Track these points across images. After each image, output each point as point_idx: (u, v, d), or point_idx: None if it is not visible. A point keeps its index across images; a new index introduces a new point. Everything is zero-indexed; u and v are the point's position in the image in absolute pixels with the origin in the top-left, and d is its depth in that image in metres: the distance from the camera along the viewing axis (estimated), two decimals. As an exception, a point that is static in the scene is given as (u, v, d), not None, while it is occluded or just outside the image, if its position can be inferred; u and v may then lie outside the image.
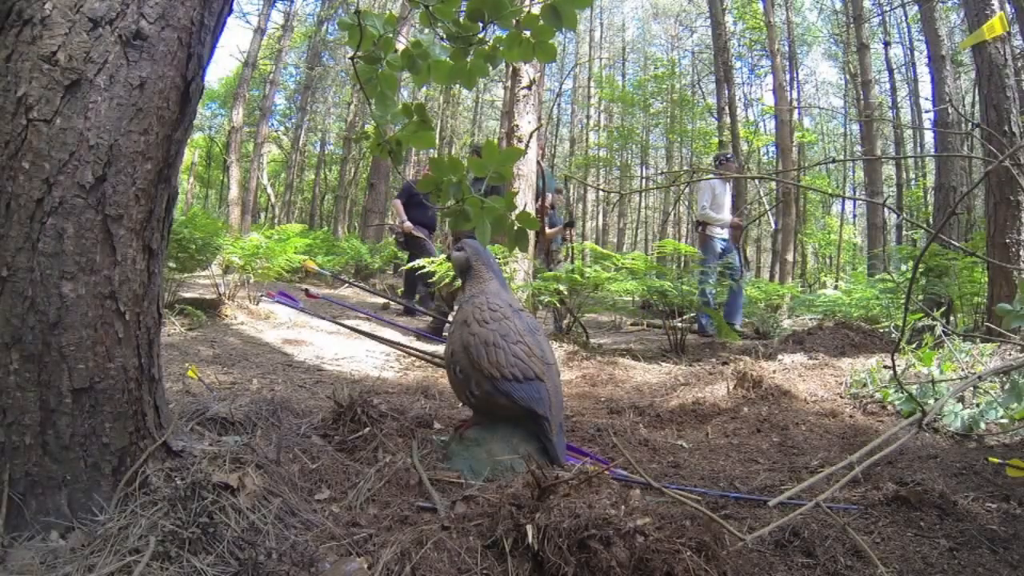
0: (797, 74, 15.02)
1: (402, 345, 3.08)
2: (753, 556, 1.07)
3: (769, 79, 13.81)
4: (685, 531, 1.00)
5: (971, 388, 2.10)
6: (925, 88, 14.03)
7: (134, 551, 0.93)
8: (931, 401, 2.07)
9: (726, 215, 5.60)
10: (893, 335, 4.13)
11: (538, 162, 6.02)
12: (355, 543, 1.07)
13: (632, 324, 6.52)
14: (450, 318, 4.30)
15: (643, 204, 22.73)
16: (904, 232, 12.72)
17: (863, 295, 5.60)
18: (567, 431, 1.90)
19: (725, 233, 5.55)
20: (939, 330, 2.90)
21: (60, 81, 0.99)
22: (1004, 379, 2.02)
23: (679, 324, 4.44)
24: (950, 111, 5.83)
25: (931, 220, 5.70)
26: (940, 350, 2.69)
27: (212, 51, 1.21)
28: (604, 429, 2.06)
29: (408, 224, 6.07)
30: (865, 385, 2.60)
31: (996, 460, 1.52)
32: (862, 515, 1.28)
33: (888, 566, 1.07)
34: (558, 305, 4.48)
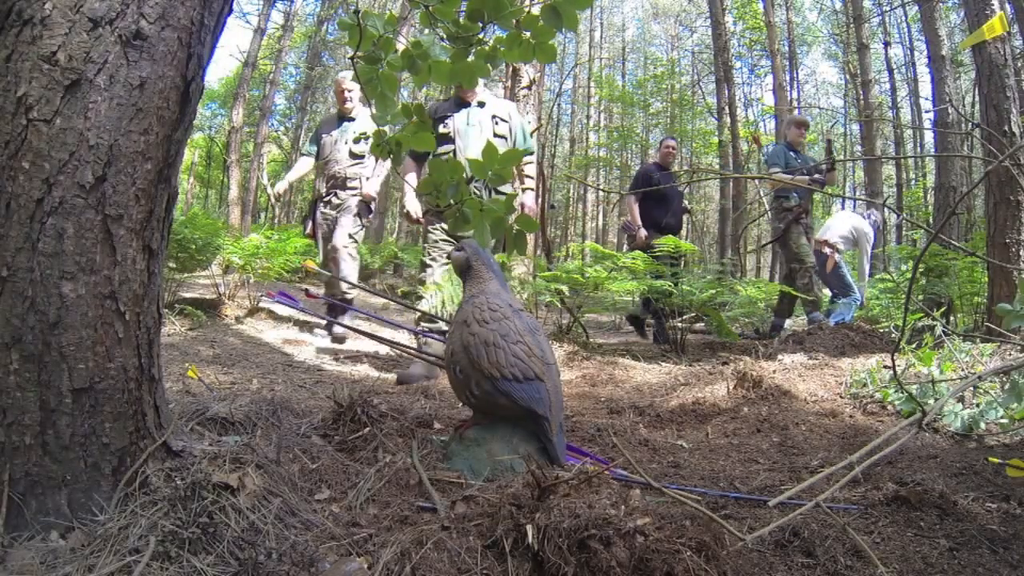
0: (797, 74, 15.03)
1: (402, 345, 3.07)
2: (753, 556, 1.07)
3: (769, 79, 13.82)
4: (685, 531, 1.00)
5: (971, 388, 2.10)
6: (925, 88, 14.04)
7: (134, 551, 0.93)
8: (931, 401, 2.07)
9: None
10: (893, 335, 4.13)
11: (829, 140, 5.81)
12: (355, 543, 1.07)
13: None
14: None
15: (643, 204, 22.64)
16: (904, 232, 12.72)
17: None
18: (567, 431, 1.90)
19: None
20: (939, 330, 2.90)
21: (60, 81, 0.99)
22: (1004, 379, 2.02)
23: (679, 324, 4.44)
24: (950, 111, 5.83)
25: (931, 220, 5.69)
26: (940, 350, 2.69)
27: (212, 51, 1.21)
28: (604, 429, 2.06)
29: (643, 233, 5.04)
30: (865, 385, 2.60)
31: (996, 460, 1.52)
32: (862, 515, 1.28)
33: (888, 566, 1.07)
34: (558, 304, 4.44)
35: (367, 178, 4.35)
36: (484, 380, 1.46)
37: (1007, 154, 1.30)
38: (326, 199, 4.32)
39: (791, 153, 5.25)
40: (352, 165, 4.29)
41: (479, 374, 1.46)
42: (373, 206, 4.51)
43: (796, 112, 12.61)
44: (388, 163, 4.26)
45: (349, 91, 4.33)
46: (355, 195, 4.27)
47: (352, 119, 4.35)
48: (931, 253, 4.65)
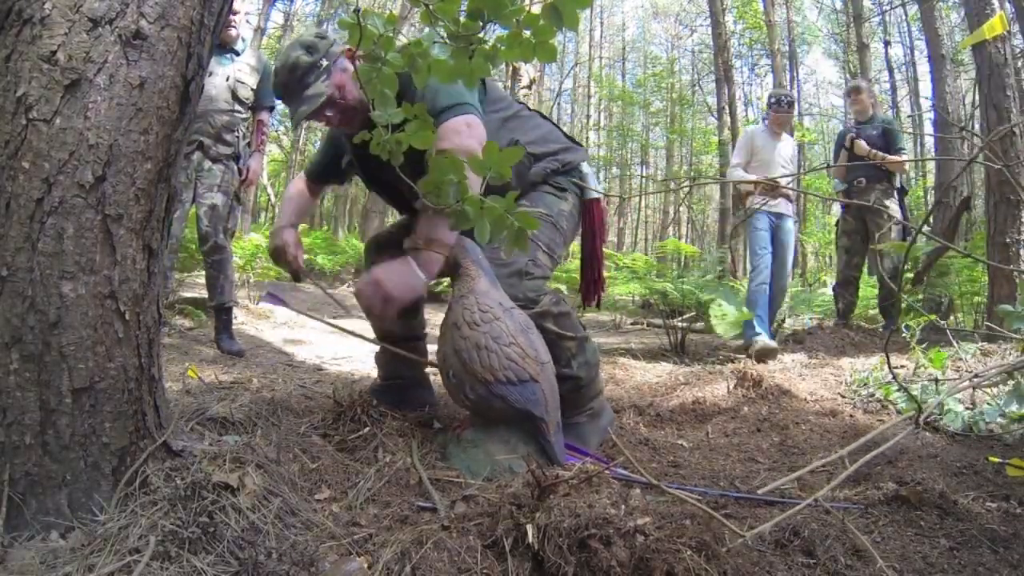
0: (797, 73, 15.04)
1: (395, 346, 3.06)
2: (753, 555, 1.07)
3: (769, 78, 13.82)
4: (685, 530, 1.00)
5: (972, 388, 2.10)
6: (925, 87, 14.05)
7: (134, 551, 0.93)
8: (930, 400, 2.07)
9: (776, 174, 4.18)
10: (903, 334, 4.13)
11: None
12: (355, 543, 1.07)
13: (632, 323, 6.53)
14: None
15: (643, 205, 22.75)
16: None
17: (863, 294, 5.59)
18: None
19: (778, 204, 4.16)
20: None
21: (60, 81, 0.99)
22: (1006, 379, 2.02)
23: (679, 324, 4.44)
24: (949, 111, 5.83)
25: (930, 220, 5.69)
26: (943, 350, 2.69)
27: (212, 51, 1.21)
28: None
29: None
30: (866, 384, 2.61)
31: (996, 459, 1.52)
32: (862, 514, 1.28)
33: (888, 565, 1.07)
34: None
35: (246, 141, 3.34)
36: (478, 384, 1.44)
37: (982, 145, 1.29)
38: (188, 152, 3.10)
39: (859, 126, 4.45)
40: (230, 112, 3.24)
41: (472, 378, 1.45)
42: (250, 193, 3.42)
43: (796, 112, 12.57)
44: (267, 133, 3.49)
45: (234, 12, 3.20)
46: (229, 155, 3.26)
47: (237, 52, 3.28)
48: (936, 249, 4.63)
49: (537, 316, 1.64)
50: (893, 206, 4.29)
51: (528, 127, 1.85)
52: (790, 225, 4.24)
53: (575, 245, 2.20)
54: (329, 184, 2.21)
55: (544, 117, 1.98)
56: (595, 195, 1.94)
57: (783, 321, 4.75)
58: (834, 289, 4.77)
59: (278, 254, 1.98)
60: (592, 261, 2.02)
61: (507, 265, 1.67)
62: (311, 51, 1.70)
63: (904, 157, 4.30)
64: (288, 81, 1.70)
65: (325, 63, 1.71)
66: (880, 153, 4.16)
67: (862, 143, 4.23)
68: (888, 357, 1.35)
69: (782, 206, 4.19)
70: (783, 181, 4.06)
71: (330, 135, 2.11)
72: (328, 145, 2.12)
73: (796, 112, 4.55)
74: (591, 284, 2.02)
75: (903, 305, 4.18)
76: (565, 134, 1.96)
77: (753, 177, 3.91)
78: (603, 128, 20.99)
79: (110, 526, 0.98)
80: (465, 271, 1.54)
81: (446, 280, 1.73)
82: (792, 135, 4.56)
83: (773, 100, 4.28)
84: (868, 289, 5.71)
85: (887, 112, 13.21)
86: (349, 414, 1.61)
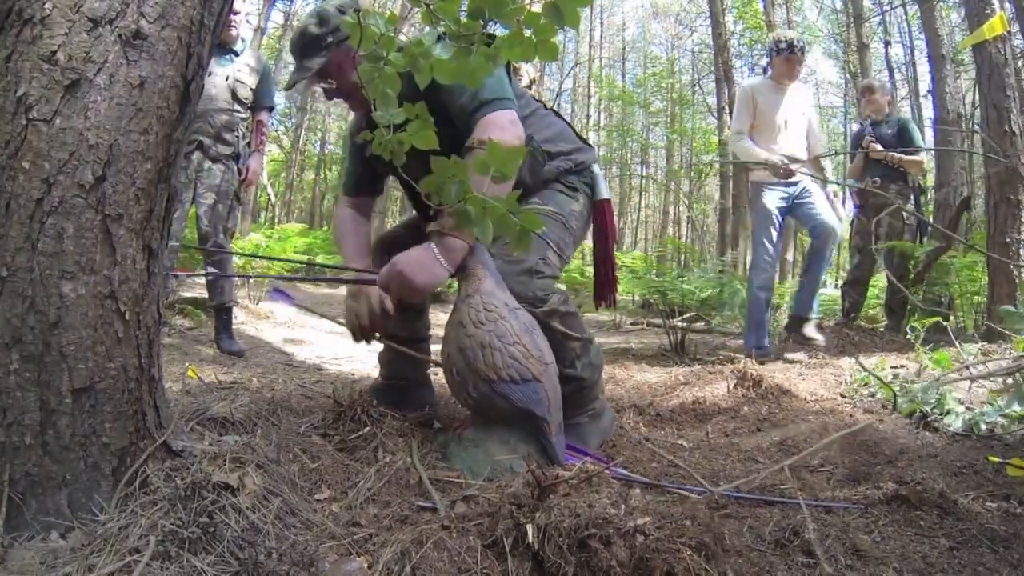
0: (797, 73, 14.98)
1: (400, 346, 3.06)
2: (753, 556, 1.07)
3: (769, 78, 13.75)
4: (685, 530, 1.00)
5: (972, 389, 2.10)
6: (925, 88, 14.02)
7: (134, 551, 0.93)
8: (932, 400, 2.07)
9: (784, 146, 3.48)
10: (908, 335, 4.13)
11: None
12: (355, 542, 1.07)
13: (632, 323, 6.52)
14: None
15: (643, 204, 22.79)
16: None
17: (868, 294, 5.59)
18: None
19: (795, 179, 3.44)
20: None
21: (60, 81, 0.99)
22: (1007, 380, 2.02)
23: (679, 323, 4.44)
24: (949, 111, 5.83)
25: (931, 219, 5.68)
26: (946, 350, 2.69)
27: (212, 51, 1.21)
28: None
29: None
30: (866, 384, 2.61)
31: (996, 459, 1.52)
32: (862, 514, 1.28)
33: (888, 565, 1.07)
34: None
35: (246, 140, 3.37)
36: (481, 382, 1.45)
37: (964, 130, 1.30)
38: (188, 152, 3.14)
39: (869, 127, 4.42)
40: (230, 112, 3.27)
41: (475, 376, 1.45)
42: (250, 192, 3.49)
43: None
44: (267, 133, 3.53)
45: (235, 12, 3.23)
46: (228, 155, 3.29)
47: (236, 52, 3.30)
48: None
49: (545, 315, 1.64)
50: (909, 207, 4.26)
51: (544, 125, 1.86)
52: (815, 190, 3.53)
53: (585, 245, 2.21)
54: (369, 195, 2.10)
55: (558, 115, 1.99)
56: (606, 196, 1.96)
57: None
58: (842, 288, 4.76)
59: (357, 318, 1.77)
60: (605, 263, 2.05)
61: (518, 263, 1.67)
62: (322, 23, 1.70)
63: (921, 156, 4.28)
64: (296, 45, 1.74)
65: (330, 40, 1.70)
66: (896, 154, 4.16)
67: (877, 146, 4.22)
68: (860, 359, 1.35)
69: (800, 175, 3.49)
70: (802, 155, 3.53)
71: (354, 125, 2.07)
72: (352, 142, 2.05)
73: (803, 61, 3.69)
74: (605, 285, 2.05)
75: (909, 306, 4.18)
76: (577, 134, 1.97)
77: (764, 155, 3.42)
78: (603, 128, 21.00)
79: (110, 526, 0.98)
80: (472, 272, 1.56)
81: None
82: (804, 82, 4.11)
83: (783, 44, 3.50)
84: (870, 288, 5.71)
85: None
86: (349, 414, 1.61)
